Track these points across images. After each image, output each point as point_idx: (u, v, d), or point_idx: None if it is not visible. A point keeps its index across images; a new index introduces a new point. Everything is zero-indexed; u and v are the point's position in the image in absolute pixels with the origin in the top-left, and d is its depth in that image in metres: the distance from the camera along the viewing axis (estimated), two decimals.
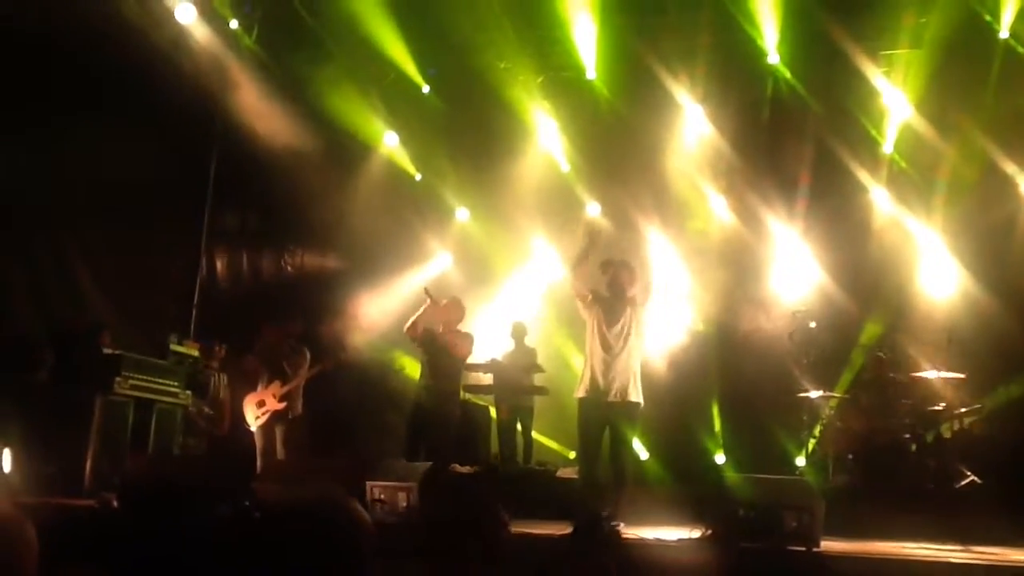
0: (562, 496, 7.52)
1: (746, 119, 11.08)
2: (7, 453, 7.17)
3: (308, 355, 8.62)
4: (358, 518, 1.66)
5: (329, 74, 11.28)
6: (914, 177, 10.33)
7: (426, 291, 8.16)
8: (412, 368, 9.82)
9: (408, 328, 8.08)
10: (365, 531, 1.64)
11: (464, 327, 8.33)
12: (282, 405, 8.21)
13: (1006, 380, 9.10)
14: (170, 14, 10.26)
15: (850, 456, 8.36)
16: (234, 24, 11.03)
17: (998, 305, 9.53)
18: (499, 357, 9.62)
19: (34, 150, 9.27)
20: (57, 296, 9.61)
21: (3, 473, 7.12)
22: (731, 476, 6.38)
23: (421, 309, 8.06)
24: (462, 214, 12.23)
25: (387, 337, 10.81)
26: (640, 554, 5.58)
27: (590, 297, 6.49)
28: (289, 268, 12.93)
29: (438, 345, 8.00)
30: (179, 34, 10.36)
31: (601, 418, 6.27)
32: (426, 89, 11.93)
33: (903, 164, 10.44)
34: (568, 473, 8.41)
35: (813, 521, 5.43)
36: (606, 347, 6.30)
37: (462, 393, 8.71)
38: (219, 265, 11.95)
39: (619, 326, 6.34)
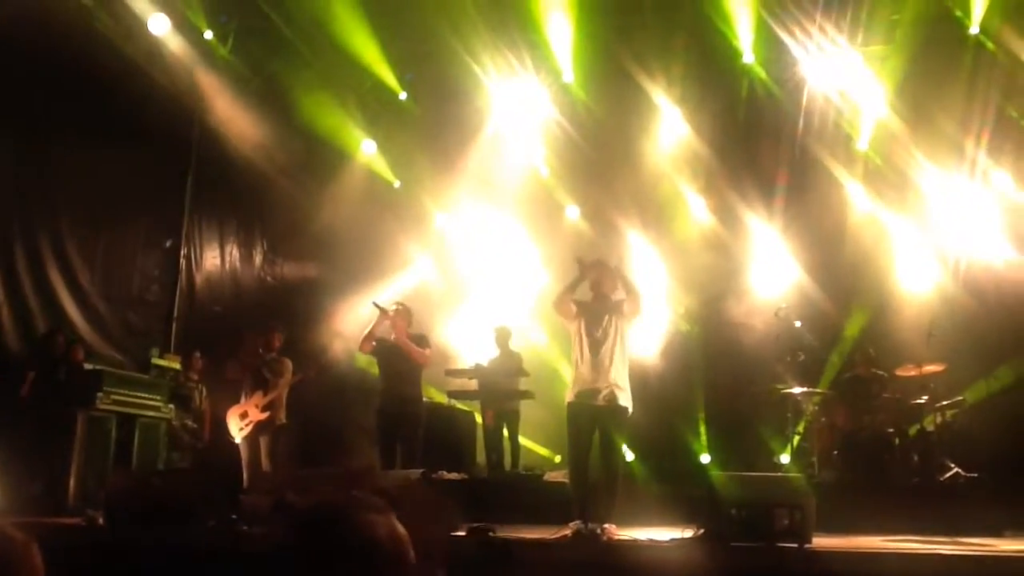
0: (551, 500, 7.51)
1: (723, 119, 11.16)
2: None
3: (290, 364, 8.58)
4: (374, 526, 1.64)
5: (306, 82, 11.25)
6: (888, 173, 10.41)
7: (376, 305, 8.27)
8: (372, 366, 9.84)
9: (362, 343, 8.20)
10: (383, 540, 1.62)
11: (416, 328, 8.44)
12: (265, 415, 8.16)
13: (987, 372, 9.21)
14: (143, 26, 10.16)
15: (835, 452, 8.41)
16: (209, 34, 10.95)
17: (977, 298, 9.64)
18: (484, 362, 9.61)
19: (9, 163, 9.19)
20: (36, 312, 9.50)
21: None
22: (719, 476, 6.39)
23: (372, 323, 8.14)
24: (441, 220, 12.20)
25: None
26: (633, 555, 5.60)
27: (575, 310, 6.50)
28: (269, 278, 12.87)
29: (393, 351, 8.10)
30: (153, 45, 10.27)
31: (590, 421, 6.27)
32: (403, 96, 11.91)
33: (878, 160, 10.53)
34: (556, 477, 8.40)
35: (805, 518, 5.46)
36: (593, 351, 6.31)
37: (444, 400, 8.74)
38: (198, 277, 11.86)
39: (603, 330, 6.35)
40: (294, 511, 1.59)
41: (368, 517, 1.54)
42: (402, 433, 8.00)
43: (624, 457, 6.70)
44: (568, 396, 6.39)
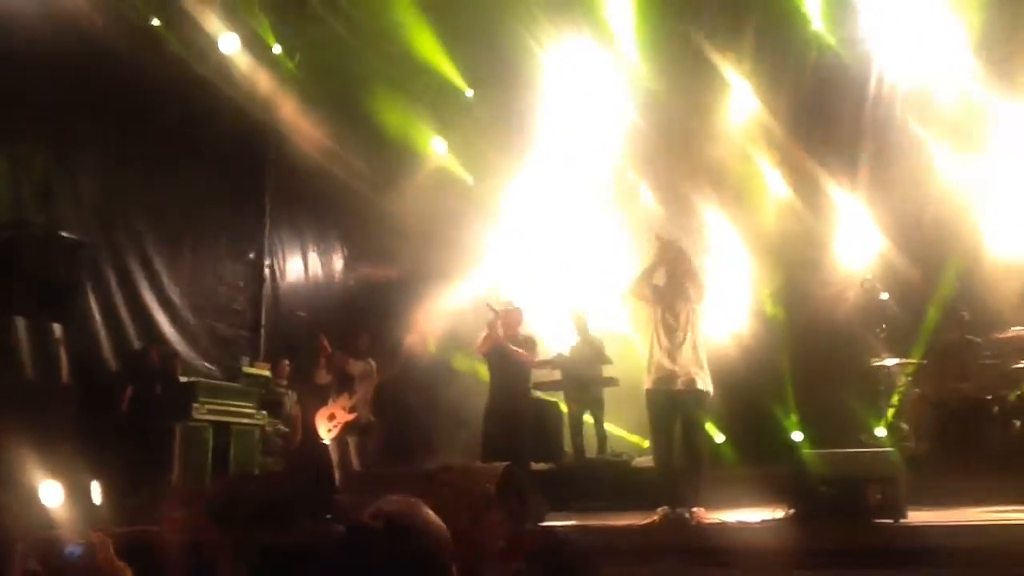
0: (638, 486, 7.49)
1: (795, 89, 10.88)
2: (96, 485, 7.39)
3: (374, 365, 8.75)
4: (434, 526, 1.67)
5: (373, 88, 11.40)
6: (973, 131, 9.98)
7: (489, 306, 8.41)
8: (467, 366, 9.93)
9: (479, 346, 8.36)
10: (442, 539, 1.65)
11: (525, 329, 8.60)
12: (352, 416, 8.37)
13: None
14: (214, 45, 10.43)
15: (930, 423, 8.16)
16: (277, 49, 11.20)
17: None
18: (566, 352, 9.63)
19: (95, 189, 9.56)
20: (131, 329, 9.85)
21: (94, 505, 7.34)
22: (809, 453, 6.28)
23: (488, 326, 8.26)
24: (515, 211, 12.21)
25: (450, 341, 10.90)
26: (722, 538, 5.55)
27: (649, 292, 6.47)
28: (351, 281, 13.12)
29: (505, 355, 8.23)
30: (223, 63, 10.54)
31: (670, 407, 6.23)
32: (469, 93, 11.97)
33: (960, 119, 10.09)
34: (644, 463, 8.38)
35: (897, 492, 5.34)
36: (670, 337, 6.27)
37: (532, 393, 8.84)
38: (282, 285, 12.16)
39: (680, 315, 6.30)
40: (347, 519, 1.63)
41: (415, 524, 1.57)
42: (510, 435, 8.08)
43: (707, 440, 6.63)
44: (646, 383, 6.35)
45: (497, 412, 8.18)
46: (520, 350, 8.25)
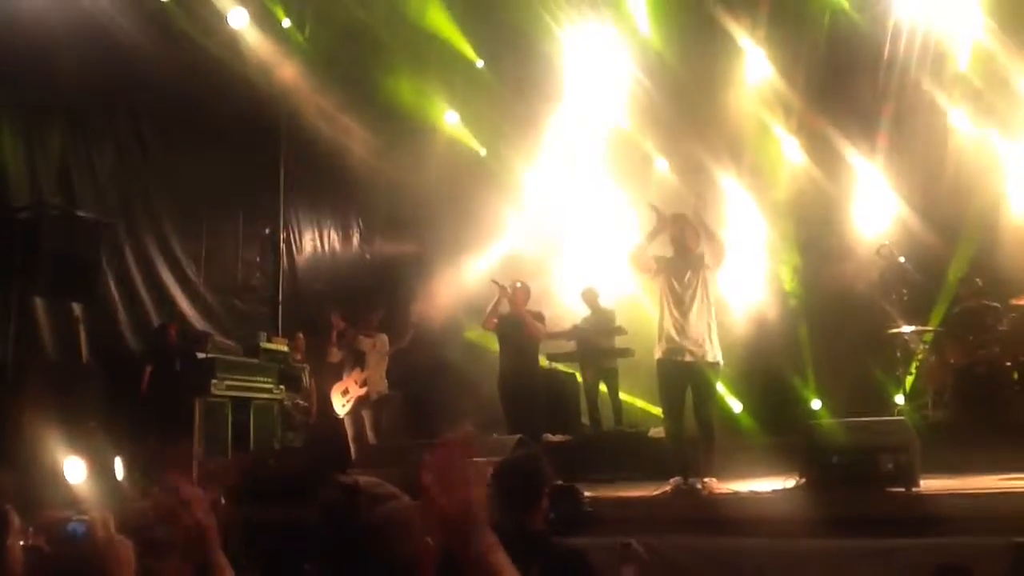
0: (656, 457, 7.49)
1: (809, 55, 10.71)
2: (119, 461, 7.51)
3: (386, 338, 8.80)
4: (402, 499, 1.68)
5: (384, 61, 11.36)
6: (989, 93, 9.80)
7: (495, 282, 8.49)
8: (483, 337, 9.96)
9: (485, 322, 8.47)
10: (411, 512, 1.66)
11: (534, 305, 8.66)
12: (364, 390, 8.45)
13: None
14: (222, 20, 10.42)
15: (949, 390, 8.10)
16: (287, 23, 11.17)
17: None
18: (579, 322, 9.64)
19: (110, 170, 9.61)
20: (151, 308, 9.95)
21: (117, 480, 7.46)
22: (824, 422, 6.25)
23: (494, 301, 8.37)
24: (529, 184, 12.17)
25: (466, 313, 10.93)
26: (734, 508, 5.56)
27: (655, 266, 6.42)
28: (367, 255, 13.16)
29: (513, 327, 8.31)
30: (233, 39, 10.52)
31: (681, 378, 6.21)
32: (480, 64, 11.91)
33: (977, 81, 9.92)
34: (660, 433, 8.37)
35: (910, 461, 5.31)
36: (678, 307, 6.23)
37: (545, 363, 8.92)
38: (299, 260, 12.20)
39: (688, 285, 6.25)
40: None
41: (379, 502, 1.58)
42: (523, 403, 8.20)
43: (719, 410, 6.61)
44: (656, 353, 6.33)
45: (508, 386, 8.25)
46: (532, 321, 8.32)
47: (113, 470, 7.46)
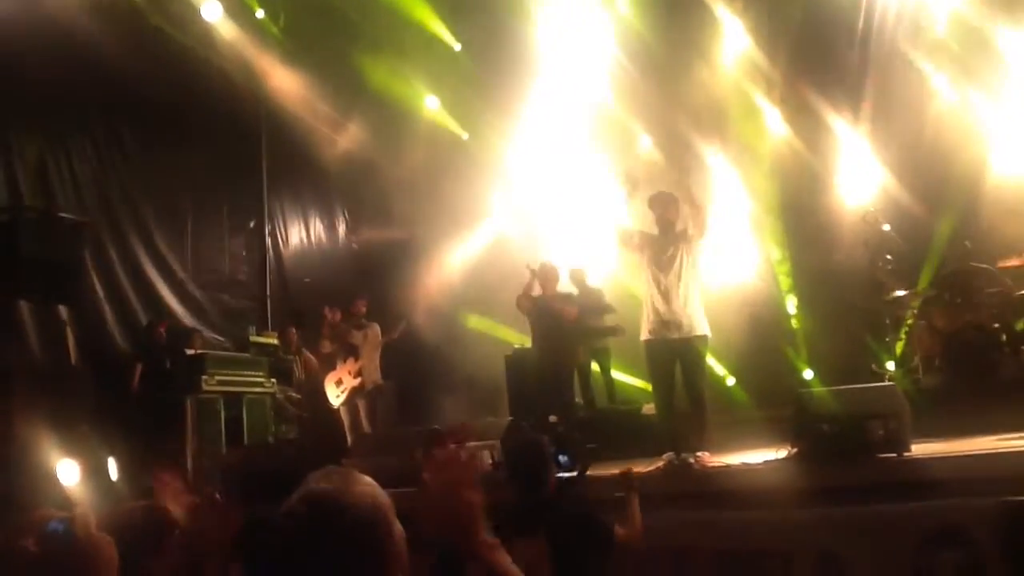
0: (650, 433, 7.49)
1: (790, 25, 10.68)
2: (112, 462, 7.48)
3: (377, 328, 8.78)
4: (367, 498, 1.65)
5: (361, 48, 11.27)
6: (969, 57, 9.77)
7: (528, 267, 8.47)
8: (475, 323, 9.92)
9: (518, 301, 8.45)
10: (377, 511, 1.64)
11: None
12: (358, 380, 8.44)
13: None
14: (196, 13, 10.32)
15: (939, 354, 8.10)
16: (260, 14, 11.07)
17: None
18: None
19: (91, 169, 9.54)
20: (138, 307, 9.90)
21: (111, 481, 7.44)
22: (814, 391, 6.25)
23: (527, 283, 8.38)
24: (513, 165, 12.12)
25: (454, 299, 10.91)
26: (726, 481, 5.56)
27: (636, 239, 6.41)
28: (354, 244, 13.12)
29: (544, 309, 8.28)
30: (207, 32, 10.43)
31: (669, 355, 6.21)
32: (458, 47, 11.83)
33: (956, 46, 9.90)
34: (652, 410, 8.38)
35: (900, 426, 5.31)
36: (662, 285, 6.22)
37: (519, 343, 9.17)
38: (285, 252, 12.16)
39: (672, 263, 6.24)
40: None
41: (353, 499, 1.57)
42: (557, 383, 8.22)
43: (709, 383, 6.60)
44: (643, 334, 6.33)
45: (542, 368, 8.25)
46: (562, 304, 8.29)
47: (107, 471, 7.43)
